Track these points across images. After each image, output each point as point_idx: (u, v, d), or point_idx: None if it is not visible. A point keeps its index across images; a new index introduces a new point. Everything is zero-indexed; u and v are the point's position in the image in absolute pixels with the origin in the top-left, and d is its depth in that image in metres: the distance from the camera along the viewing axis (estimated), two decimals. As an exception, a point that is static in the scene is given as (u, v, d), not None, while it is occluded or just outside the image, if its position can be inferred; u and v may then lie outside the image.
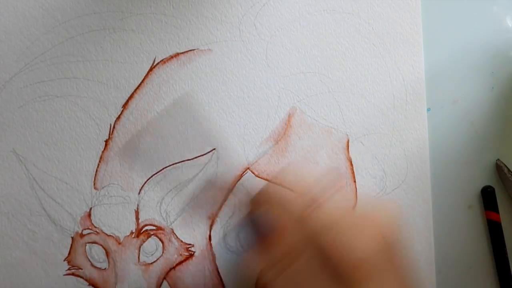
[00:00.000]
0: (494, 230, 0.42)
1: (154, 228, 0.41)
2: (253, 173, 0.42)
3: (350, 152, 0.42)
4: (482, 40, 0.43)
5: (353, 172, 0.42)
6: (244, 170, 0.42)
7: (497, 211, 0.42)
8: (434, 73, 0.42)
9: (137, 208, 0.41)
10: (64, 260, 0.41)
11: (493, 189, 0.42)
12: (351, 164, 0.42)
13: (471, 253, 0.43)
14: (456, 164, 0.42)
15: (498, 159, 0.42)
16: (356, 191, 0.42)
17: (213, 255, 0.42)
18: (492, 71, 0.42)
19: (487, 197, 0.42)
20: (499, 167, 0.42)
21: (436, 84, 0.42)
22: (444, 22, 0.42)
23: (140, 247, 0.41)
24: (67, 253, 0.41)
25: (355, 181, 0.42)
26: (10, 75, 0.41)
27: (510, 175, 0.42)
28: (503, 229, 0.42)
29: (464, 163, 0.43)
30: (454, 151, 0.43)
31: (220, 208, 0.42)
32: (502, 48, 0.42)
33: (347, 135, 0.42)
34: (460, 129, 0.42)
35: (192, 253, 0.42)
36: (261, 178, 0.42)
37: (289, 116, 0.42)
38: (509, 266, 0.42)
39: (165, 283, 0.42)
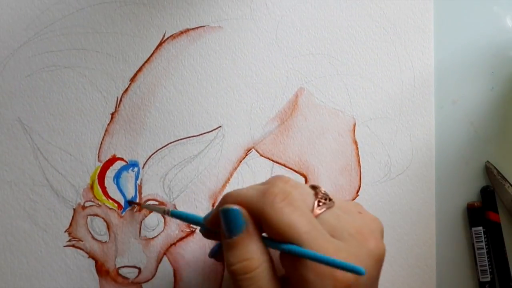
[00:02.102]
0: (493, 231, 0.42)
1: (156, 203, 0.41)
2: (257, 152, 0.42)
3: (356, 135, 0.42)
4: (482, 40, 0.43)
5: (358, 155, 0.42)
6: (249, 148, 0.42)
7: (496, 211, 0.42)
8: (434, 73, 0.42)
9: (140, 183, 0.41)
10: (65, 232, 0.41)
11: (493, 189, 0.42)
12: (357, 148, 0.42)
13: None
14: (455, 164, 0.42)
15: (488, 161, 0.42)
16: (361, 175, 0.42)
17: (215, 233, 0.42)
18: (492, 71, 0.42)
19: (487, 197, 0.42)
20: (488, 169, 0.42)
21: (436, 84, 0.42)
22: (444, 22, 0.42)
23: (141, 221, 0.41)
24: (68, 224, 0.41)
25: (360, 165, 0.42)
26: (18, 43, 0.41)
27: (499, 177, 0.42)
28: (502, 227, 0.42)
29: (464, 163, 0.43)
30: (454, 151, 0.42)
31: (223, 186, 0.42)
32: (502, 48, 0.42)
33: (353, 118, 0.42)
34: (460, 129, 0.42)
35: (194, 229, 0.42)
36: (265, 157, 0.42)
37: (297, 96, 0.42)
38: (508, 266, 0.42)
39: (165, 258, 0.42)
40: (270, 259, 0.31)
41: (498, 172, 0.42)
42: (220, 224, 0.32)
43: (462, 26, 0.42)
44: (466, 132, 0.42)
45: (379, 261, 0.32)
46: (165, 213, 0.38)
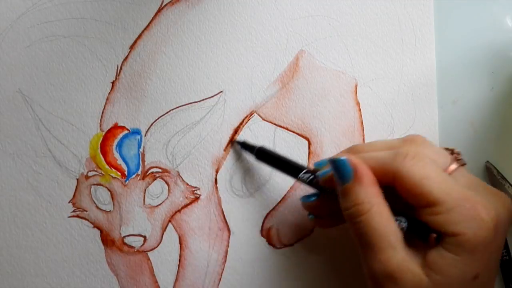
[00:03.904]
0: None
1: (159, 170, 0.41)
2: (259, 116, 0.42)
3: (358, 96, 0.42)
4: (482, 40, 0.42)
5: (361, 117, 0.42)
6: (251, 113, 0.42)
7: None
8: (433, 73, 0.42)
9: (143, 150, 0.41)
10: (69, 202, 0.41)
11: None
12: (359, 109, 0.42)
13: None
14: None
15: (488, 161, 0.42)
16: (364, 136, 0.42)
17: (219, 199, 0.42)
18: (492, 71, 0.42)
19: None
20: (488, 169, 0.42)
21: (436, 84, 0.42)
22: (444, 22, 0.42)
23: (145, 189, 0.41)
24: (72, 195, 0.41)
25: (362, 126, 0.42)
26: (17, 14, 0.41)
27: (499, 177, 0.41)
28: None
29: None
30: None
31: (226, 151, 0.42)
32: (502, 48, 0.42)
33: (355, 79, 0.42)
34: (460, 129, 0.42)
35: (198, 196, 0.41)
36: (267, 121, 0.42)
37: (297, 59, 0.42)
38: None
39: (170, 226, 0.41)
40: (384, 203, 0.33)
41: (498, 172, 0.42)
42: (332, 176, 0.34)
43: (462, 26, 0.42)
44: (466, 132, 0.42)
45: (511, 215, 0.34)
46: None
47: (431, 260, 0.31)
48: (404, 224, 0.33)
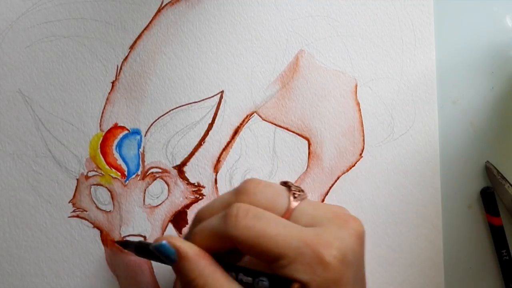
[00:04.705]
0: (495, 233, 0.42)
1: (159, 170, 0.41)
2: (260, 116, 0.42)
3: (358, 97, 0.42)
4: (482, 40, 0.42)
5: (361, 117, 0.42)
6: (251, 113, 0.42)
7: (497, 212, 0.42)
8: (433, 73, 0.42)
9: (143, 150, 0.41)
10: (69, 202, 0.41)
11: (493, 190, 0.42)
12: (359, 109, 0.42)
13: (470, 253, 0.42)
14: (455, 164, 0.42)
15: (488, 161, 0.42)
16: (364, 136, 0.42)
17: (219, 199, 0.41)
18: (492, 71, 0.42)
19: (487, 198, 0.42)
20: (488, 170, 0.42)
21: (436, 84, 0.42)
22: (444, 22, 0.42)
23: (145, 189, 0.41)
24: (72, 195, 0.41)
25: (363, 126, 0.42)
26: (17, 14, 0.41)
27: (499, 177, 0.41)
28: (504, 226, 0.42)
29: (463, 163, 0.42)
30: (454, 151, 0.42)
31: (226, 151, 0.42)
32: (502, 48, 0.42)
33: (355, 79, 0.42)
34: (460, 129, 0.42)
35: (198, 197, 0.41)
36: (267, 121, 0.42)
37: (297, 59, 0.42)
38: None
39: (170, 226, 0.41)
40: (218, 270, 0.32)
41: (498, 172, 0.42)
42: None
43: (462, 26, 0.42)
44: (466, 132, 0.42)
45: (361, 238, 0.33)
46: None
47: None
48: (266, 283, 0.31)
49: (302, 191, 0.34)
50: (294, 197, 0.33)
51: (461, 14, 0.42)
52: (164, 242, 0.33)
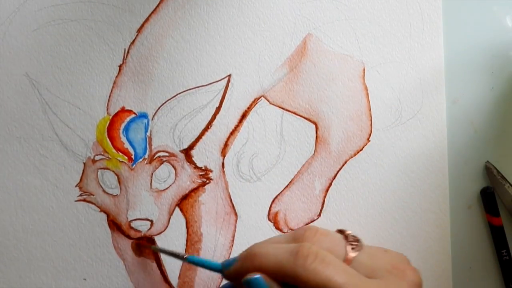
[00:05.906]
0: (495, 233, 0.42)
1: (167, 154, 0.41)
2: (267, 100, 0.42)
3: (365, 80, 0.42)
4: (482, 40, 0.42)
5: (368, 101, 0.42)
6: (258, 97, 0.42)
7: (497, 212, 0.42)
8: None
9: (150, 134, 0.41)
10: (76, 186, 0.41)
11: (493, 190, 0.42)
12: (367, 93, 0.42)
13: (470, 253, 0.42)
14: (455, 163, 0.42)
15: (488, 161, 0.42)
16: (372, 120, 0.42)
17: (226, 183, 0.41)
18: (492, 71, 0.42)
19: (487, 198, 0.42)
20: (488, 170, 0.42)
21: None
22: (443, 22, 0.42)
23: (152, 173, 0.41)
24: (79, 179, 0.41)
25: (370, 110, 0.42)
26: (24, -2, 0.41)
27: (499, 177, 0.41)
28: (504, 226, 0.42)
29: (463, 163, 0.42)
30: (454, 151, 0.42)
31: (234, 135, 0.42)
32: (502, 48, 0.42)
33: (363, 63, 0.42)
34: (460, 129, 0.42)
35: (205, 181, 0.41)
36: (275, 105, 0.42)
37: (305, 43, 0.42)
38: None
39: (177, 210, 0.41)
40: None
41: (498, 172, 0.42)
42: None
43: (461, 26, 0.42)
44: (466, 132, 0.42)
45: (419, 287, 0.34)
46: (182, 259, 0.38)
47: None
48: None
49: (359, 240, 0.35)
50: (352, 248, 0.34)
51: (462, 14, 0.42)
52: (257, 276, 0.32)
